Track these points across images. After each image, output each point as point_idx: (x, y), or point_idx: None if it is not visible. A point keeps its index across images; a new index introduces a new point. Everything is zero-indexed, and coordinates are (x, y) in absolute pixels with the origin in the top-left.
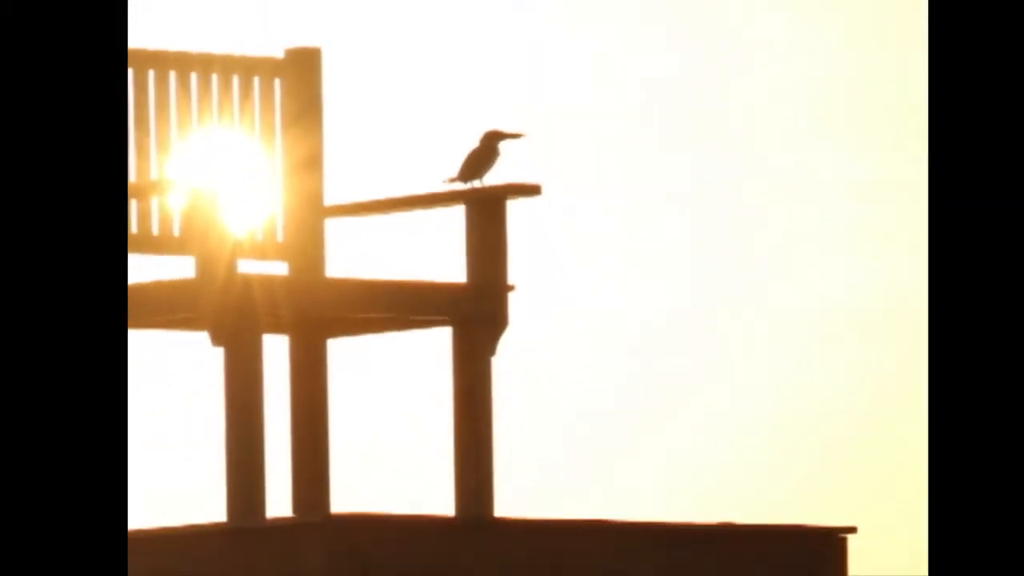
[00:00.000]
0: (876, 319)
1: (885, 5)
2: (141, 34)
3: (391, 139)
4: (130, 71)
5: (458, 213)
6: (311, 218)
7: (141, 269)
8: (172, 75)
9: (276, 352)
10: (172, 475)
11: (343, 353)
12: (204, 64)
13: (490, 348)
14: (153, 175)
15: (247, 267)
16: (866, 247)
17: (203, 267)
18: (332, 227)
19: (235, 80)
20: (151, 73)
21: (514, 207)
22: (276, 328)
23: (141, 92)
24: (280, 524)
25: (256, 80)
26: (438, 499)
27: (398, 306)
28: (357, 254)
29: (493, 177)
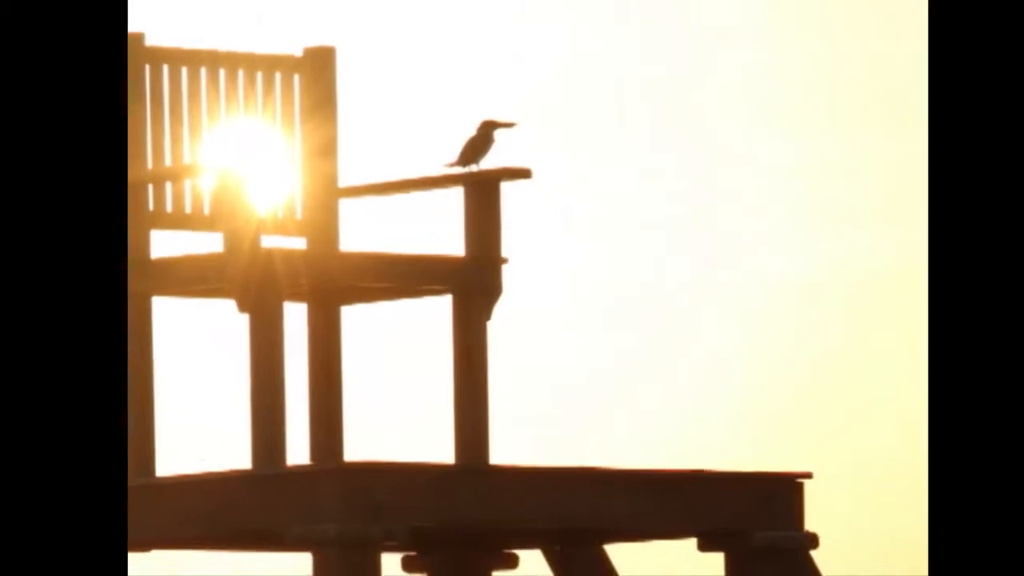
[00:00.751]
0: (828, 290)
1: None
2: (175, 33)
3: (398, 128)
4: (165, 67)
5: (457, 194)
6: (327, 198)
7: (175, 244)
8: (203, 71)
9: (295, 318)
10: (202, 427)
11: (355, 318)
12: (232, 62)
13: (486, 314)
14: (186, 160)
15: (269, 242)
16: (820, 224)
17: (230, 242)
18: (345, 206)
19: (259, 76)
20: (184, 70)
21: (507, 189)
22: (295, 296)
23: (175, 86)
24: (299, 470)
25: (277, 76)
26: (440, 448)
27: (404, 276)
28: (368, 230)
29: (488, 162)
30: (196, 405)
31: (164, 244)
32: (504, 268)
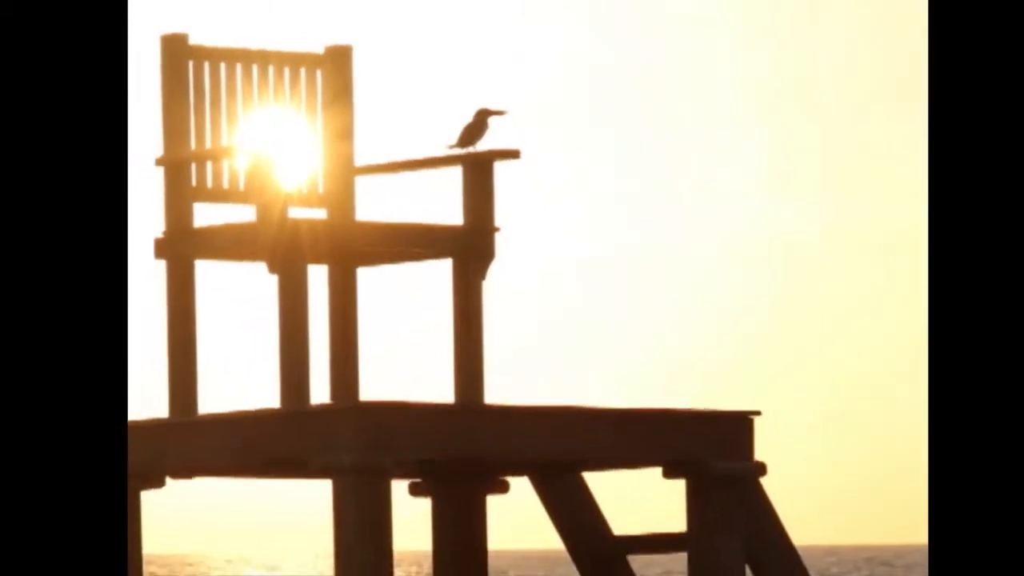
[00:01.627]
0: (772, 250)
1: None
2: (214, 34)
3: (406, 115)
4: (206, 64)
5: (456, 172)
6: (344, 175)
7: (214, 215)
8: (238, 67)
9: (317, 278)
10: (236, 371)
11: (369, 278)
12: (263, 58)
13: (481, 274)
14: (224, 143)
15: (295, 213)
16: (768, 196)
17: (261, 213)
18: (361, 182)
19: (286, 71)
20: (222, 65)
21: (499, 167)
22: (317, 259)
23: (215, 80)
24: (320, 408)
25: (302, 71)
26: (441, 389)
27: (411, 242)
28: (380, 203)
29: (483, 144)
30: (232, 353)
31: (205, 215)
32: (496, 236)
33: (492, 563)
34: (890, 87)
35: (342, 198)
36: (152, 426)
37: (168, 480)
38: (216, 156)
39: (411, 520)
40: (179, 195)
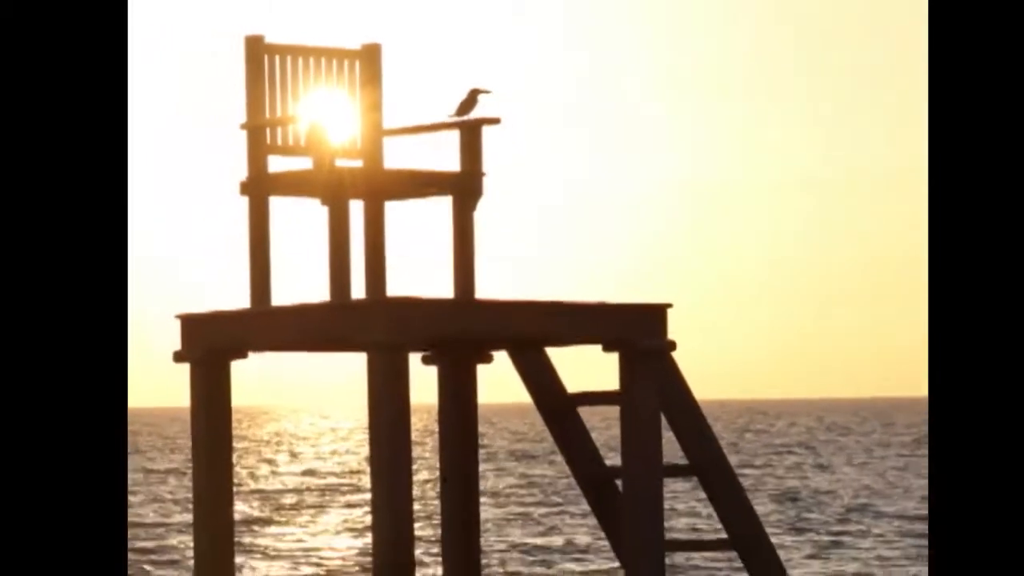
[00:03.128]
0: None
1: None
2: (282, 34)
3: (419, 93)
4: (276, 57)
5: (455, 134)
6: (375, 136)
7: (282, 165)
8: (300, 59)
9: (356, 210)
10: (298, 274)
11: (393, 209)
12: (316, 53)
13: (472, 207)
14: (289, 113)
15: (340, 163)
16: (679, 143)
17: (316, 163)
18: (388, 141)
19: (333, 62)
20: (288, 57)
21: (486, 131)
22: (356, 196)
23: (283, 69)
24: (359, 301)
25: (345, 62)
26: (444, 288)
27: (423, 183)
28: (401, 155)
29: (474, 114)
30: (295, 262)
31: (276, 164)
32: (484, 179)
33: (480, 413)
34: None
35: (373, 152)
36: (238, 314)
37: (250, 353)
38: (283, 122)
39: (422, 381)
40: (257, 150)
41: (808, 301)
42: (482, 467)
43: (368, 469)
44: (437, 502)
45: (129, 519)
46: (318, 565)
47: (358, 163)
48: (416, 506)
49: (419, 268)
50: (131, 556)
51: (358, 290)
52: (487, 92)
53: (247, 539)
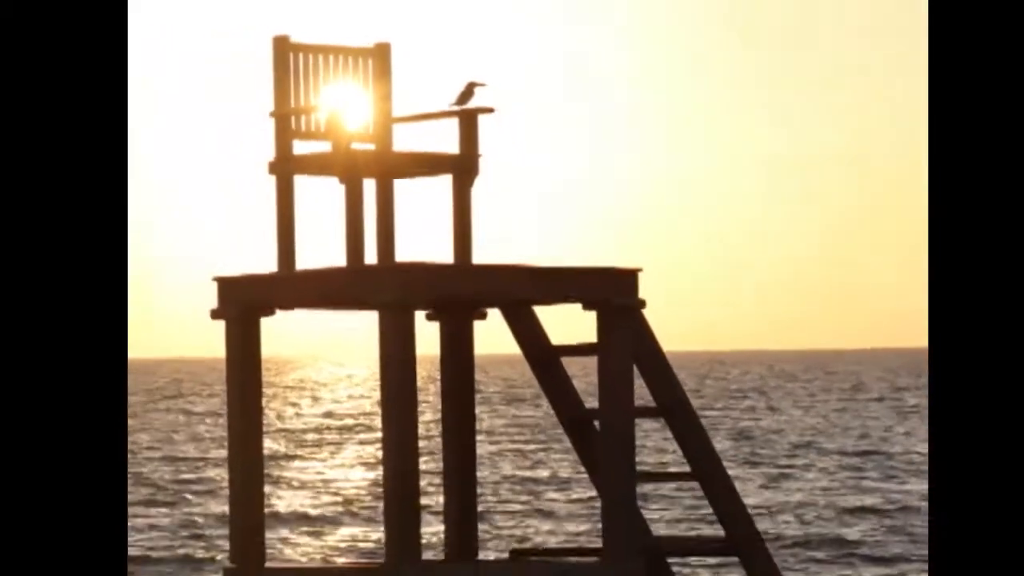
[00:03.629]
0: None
1: None
2: (305, 33)
3: (423, 85)
4: (300, 55)
5: (454, 121)
6: (386, 122)
7: (305, 148)
8: (320, 56)
9: (369, 188)
10: (319, 242)
11: (401, 187)
12: (335, 51)
13: (469, 184)
14: (311, 103)
15: (355, 147)
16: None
17: (334, 146)
18: (397, 128)
19: (349, 59)
20: (310, 55)
21: (481, 119)
22: (369, 175)
23: (306, 64)
24: (372, 267)
25: (360, 59)
26: (445, 254)
27: (426, 164)
28: (407, 139)
29: (472, 104)
30: (317, 232)
31: (299, 147)
32: (479, 160)
33: (476, 363)
34: None
35: (384, 137)
36: (267, 277)
37: (277, 311)
38: (306, 111)
39: (426, 336)
40: (283, 135)
41: (759, 268)
42: (478, 409)
43: (379, 411)
44: (439, 440)
45: (173, 454)
46: (336, 494)
47: (371, 146)
48: (421, 443)
49: (423, 237)
50: (174, 486)
51: (370, 256)
52: (482, 85)
53: (275, 472)
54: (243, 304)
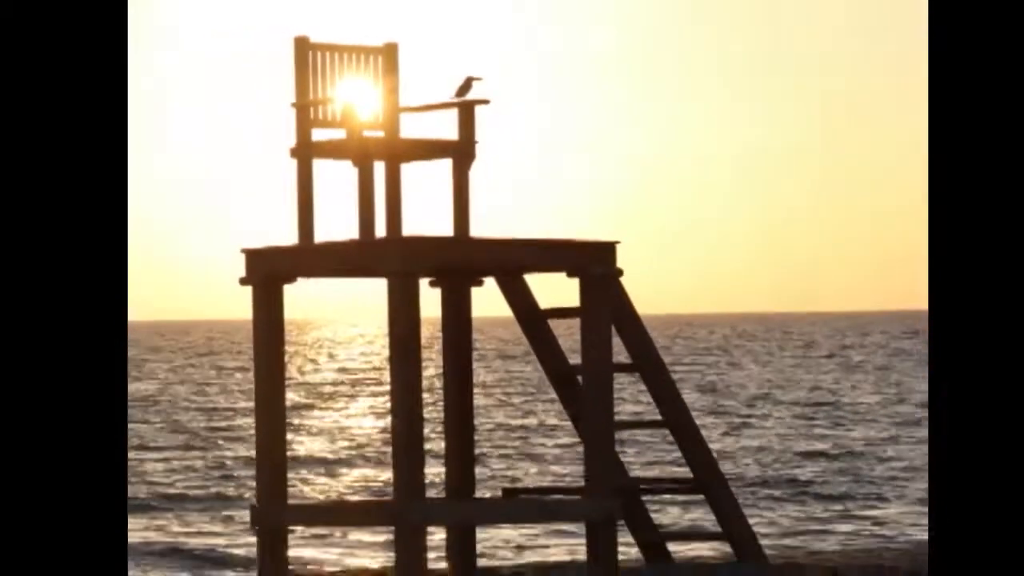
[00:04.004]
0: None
1: None
2: (323, 34)
3: (426, 79)
4: (319, 53)
5: (454, 112)
6: (393, 112)
7: (322, 135)
8: (336, 55)
9: (379, 170)
10: (335, 217)
11: (407, 169)
12: (348, 50)
13: (467, 166)
14: (328, 95)
15: (367, 133)
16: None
17: (348, 133)
18: (404, 118)
19: (361, 56)
20: (327, 53)
21: (478, 109)
22: (378, 158)
23: (323, 61)
24: (381, 239)
25: (370, 56)
26: (445, 227)
27: (428, 150)
28: (413, 127)
29: (470, 96)
30: (333, 208)
31: (317, 134)
32: (476, 146)
33: (473, 325)
34: None
35: (392, 125)
36: (289, 248)
37: (298, 278)
38: (323, 102)
39: (429, 301)
40: (304, 124)
41: (724, 242)
42: (475, 365)
43: (388, 367)
44: (441, 392)
45: (206, 405)
46: (350, 439)
47: (380, 134)
48: (424, 395)
49: (427, 213)
50: (207, 434)
51: (380, 230)
52: (479, 79)
53: (296, 420)
54: (268, 273)
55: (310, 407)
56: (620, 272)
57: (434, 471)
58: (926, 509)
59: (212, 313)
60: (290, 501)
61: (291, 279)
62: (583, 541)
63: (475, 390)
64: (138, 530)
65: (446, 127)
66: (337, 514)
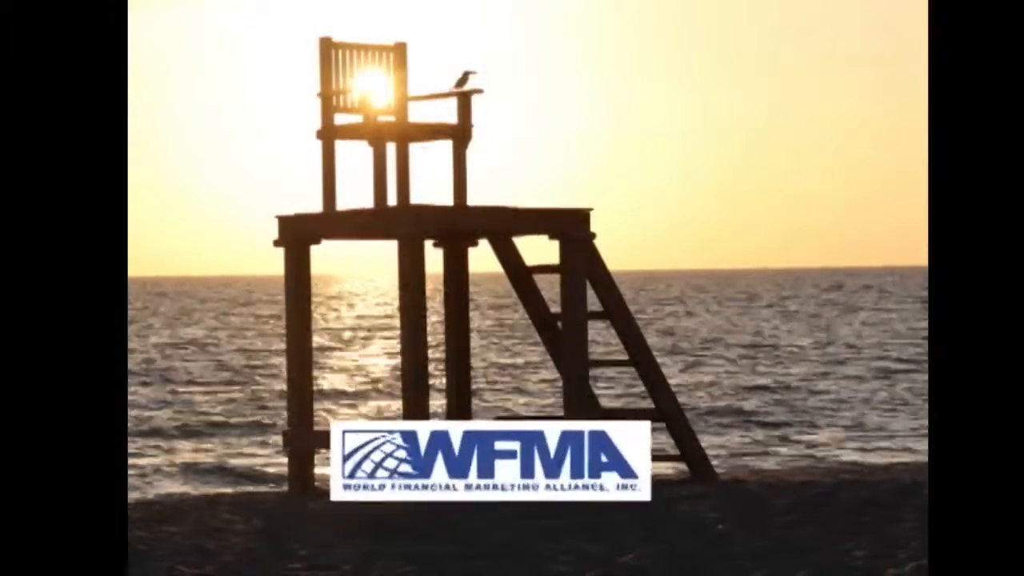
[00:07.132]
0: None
1: None
2: (344, 33)
3: (431, 73)
4: (341, 52)
5: (453, 101)
6: (404, 101)
7: (343, 120)
8: (355, 52)
9: (391, 148)
10: (353, 188)
11: (414, 150)
12: (364, 48)
13: (465, 146)
14: (348, 85)
15: (381, 119)
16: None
17: (365, 118)
18: (412, 105)
19: (376, 53)
20: (348, 51)
21: (475, 98)
22: (390, 139)
23: (344, 57)
24: (392, 207)
25: (383, 53)
26: (446, 199)
27: (432, 132)
28: (420, 113)
29: (468, 87)
30: (352, 180)
31: (339, 119)
32: (473, 129)
33: (470, 280)
34: None
35: (402, 112)
36: (315, 215)
37: (323, 240)
38: (344, 92)
39: (433, 259)
40: (327, 110)
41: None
42: (471, 313)
43: (399, 315)
44: (443, 335)
45: (245, 346)
46: (366, 375)
47: (392, 119)
48: (428, 338)
49: (431, 186)
50: (246, 370)
51: (392, 199)
52: (475, 73)
53: (321, 360)
54: (297, 235)
55: (333, 348)
56: (594, 235)
57: (437, 402)
58: (851, 434)
59: (250, 270)
60: (316, 427)
61: (317, 241)
62: None
63: (471, 334)
64: (188, 451)
65: (447, 113)
66: None
